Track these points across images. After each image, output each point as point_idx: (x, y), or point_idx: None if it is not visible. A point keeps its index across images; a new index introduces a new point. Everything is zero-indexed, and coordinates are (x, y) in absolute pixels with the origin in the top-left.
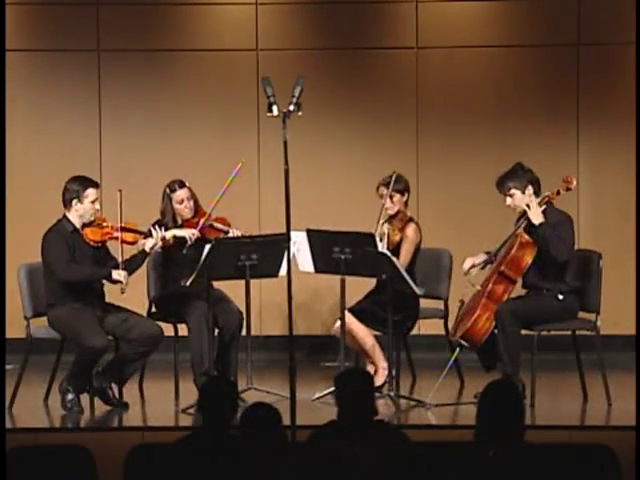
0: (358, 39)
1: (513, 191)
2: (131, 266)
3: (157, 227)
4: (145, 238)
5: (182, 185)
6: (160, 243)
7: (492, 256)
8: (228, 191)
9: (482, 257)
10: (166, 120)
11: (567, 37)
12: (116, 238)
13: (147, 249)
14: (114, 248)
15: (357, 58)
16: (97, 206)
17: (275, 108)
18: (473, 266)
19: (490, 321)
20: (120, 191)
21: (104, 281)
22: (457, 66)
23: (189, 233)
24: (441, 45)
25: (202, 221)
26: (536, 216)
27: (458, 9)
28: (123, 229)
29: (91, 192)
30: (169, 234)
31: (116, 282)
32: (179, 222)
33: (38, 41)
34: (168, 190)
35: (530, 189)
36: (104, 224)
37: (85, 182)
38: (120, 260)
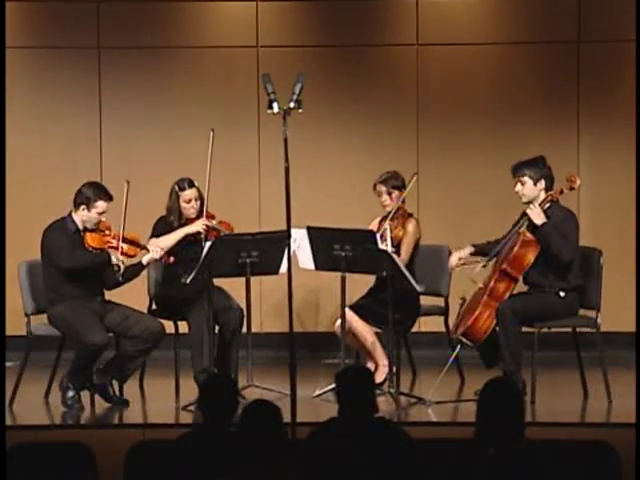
0: (358, 36)
1: (526, 179)
2: (126, 275)
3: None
4: (145, 252)
5: (191, 185)
6: (158, 256)
7: (491, 258)
8: (227, 194)
9: (468, 249)
10: (166, 117)
11: (567, 34)
12: (116, 248)
13: (144, 262)
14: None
15: (358, 55)
16: (103, 218)
17: (275, 105)
18: (460, 259)
19: (491, 319)
20: (128, 182)
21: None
22: (458, 63)
23: (200, 225)
24: (442, 42)
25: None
26: (537, 216)
27: (459, 6)
28: (124, 240)
29: (101, 204)
30: (181, 233)
31: (116, 269)
32: (183, 220)
33: (38, 38)
34: (177, 188)
35: (542, 183)
36: (107, 232)
37: (99, 193)
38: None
